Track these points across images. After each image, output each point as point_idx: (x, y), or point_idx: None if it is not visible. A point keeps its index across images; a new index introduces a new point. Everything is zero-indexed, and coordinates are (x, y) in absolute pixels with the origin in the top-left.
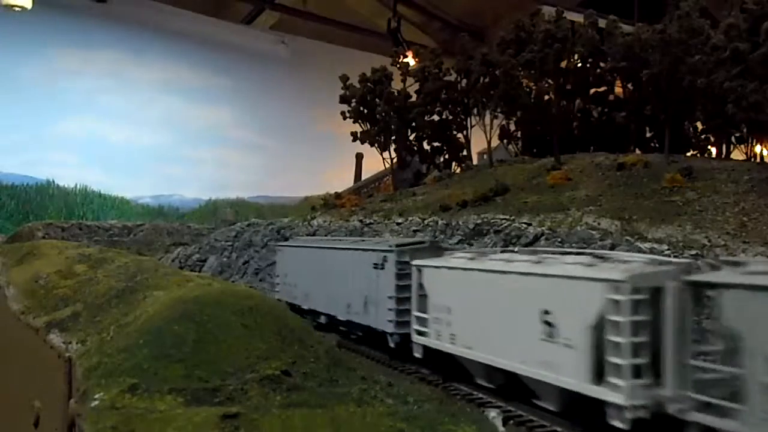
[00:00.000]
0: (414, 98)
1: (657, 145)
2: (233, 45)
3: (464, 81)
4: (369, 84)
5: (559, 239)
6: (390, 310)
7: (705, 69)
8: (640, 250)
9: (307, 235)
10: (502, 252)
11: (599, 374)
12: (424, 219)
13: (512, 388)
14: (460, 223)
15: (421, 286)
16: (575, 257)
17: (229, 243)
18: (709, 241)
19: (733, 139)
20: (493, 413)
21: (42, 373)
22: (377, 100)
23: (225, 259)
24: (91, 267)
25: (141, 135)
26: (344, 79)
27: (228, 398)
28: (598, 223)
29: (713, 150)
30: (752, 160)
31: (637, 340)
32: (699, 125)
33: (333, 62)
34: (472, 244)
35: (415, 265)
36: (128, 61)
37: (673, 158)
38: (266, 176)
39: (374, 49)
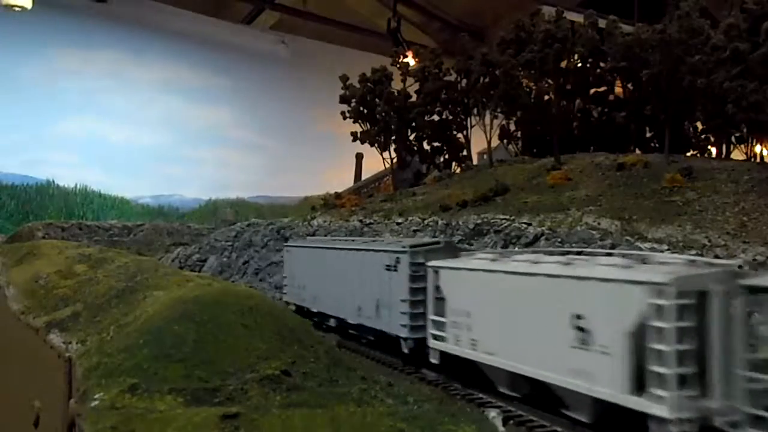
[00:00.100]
0: (414, 98)
1: (657, 145)
2: (233, 45)
3: (464, 81)
4: (369, 84)
5: (559, 239)
6: (403, 313)
7: (705, 69)
8: (640, 250)
9: (307, 235)
10: (526, 253)
11: (639, 384)
12: (424, 219)
13: (538, 397)
14: (460, 223)
15: (438, 288)
16: (608, 258)
17: (229, 243)
18: (709, 241)
19: (733, 139)
20: (493, 413)
21: (42, 373)
22: (377, 100)
23: (225, 259)
24: (91, 267)
25: (141, 135)
26: (344, 79)
27: (228, 398)
28: (598, 223)
29: (713, 150)
30: (752, 160)
31: (682, 348)
32: (699, 125)
33: (333, 62)
34: (471, 244)
35: (432, 267)
36: (128, 61)
37: (673, 158)
38: (266, 176)
39: (374, 49)
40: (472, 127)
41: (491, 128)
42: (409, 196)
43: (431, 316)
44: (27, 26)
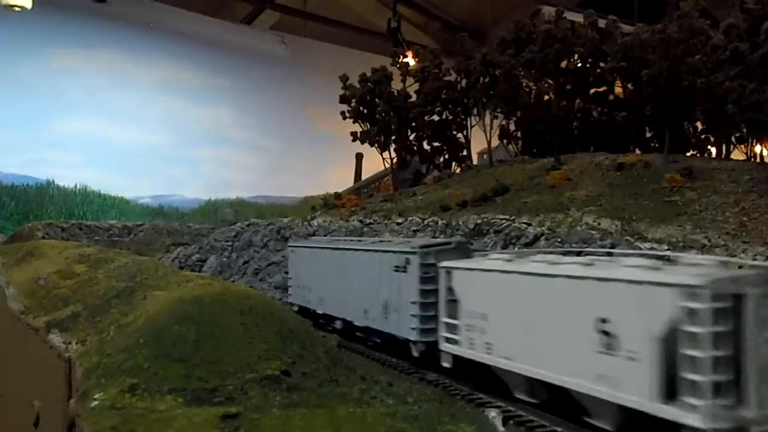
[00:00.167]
0: (414, 98)
1: (657, 145)
2: (233, 45)
3: (464, 81)
4: (369, 84)
5: (559, 239)
6: (413, 316)
7: (705, 69)
8: (639, 251)
9: (308, 235)
10: (542, 253)
11: (670, 391)
12: (424, 219)
13: (557, 403)
14: (460, 223)
15: (450, 290)
16: (635, 259)
17: (229, 243)
18: (709, 241)
19: (733, 139)
20: (493, 413)
21: (42, 373)
22: (377, 100)
23: (225, 259)
24: (90, 267)
25: (141, 135)
26: (344, 79)
27: (228, 398)
28: (598, 223)
29: (713, 150)
30: (752, 160)
31: (717, 354)
32: (699, 125)
33: (333, 62)
34: (471, 244)
35: (444, 268)
36: (128, 61)
37: (673, 158)
38: (266, 176)
39: (374, 49)
40: (472, 127)
41: (491, 128)
42: (409, 196)
43: (444, 319)
44: (27, 26)
